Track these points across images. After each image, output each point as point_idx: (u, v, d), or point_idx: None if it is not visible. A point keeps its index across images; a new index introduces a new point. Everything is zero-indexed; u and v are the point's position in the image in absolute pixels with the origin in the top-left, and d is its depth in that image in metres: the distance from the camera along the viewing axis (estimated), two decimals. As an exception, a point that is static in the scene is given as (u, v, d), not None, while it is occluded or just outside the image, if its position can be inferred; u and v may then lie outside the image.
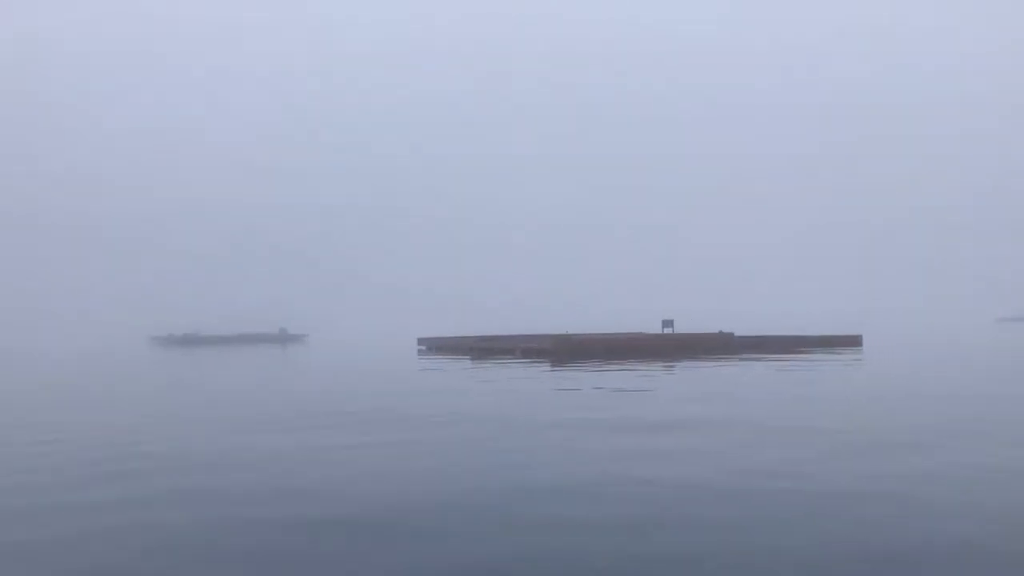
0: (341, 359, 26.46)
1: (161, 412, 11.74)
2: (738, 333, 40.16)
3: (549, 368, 19.09)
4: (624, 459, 6.93)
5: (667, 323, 32.09)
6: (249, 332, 66.26)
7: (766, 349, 26.53)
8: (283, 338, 63.82)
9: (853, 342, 27.66)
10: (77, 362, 30.07)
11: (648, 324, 79.09)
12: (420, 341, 34.63)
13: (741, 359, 21.10)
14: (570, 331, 44.06)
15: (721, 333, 32.15)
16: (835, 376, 15.03)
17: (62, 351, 45.48)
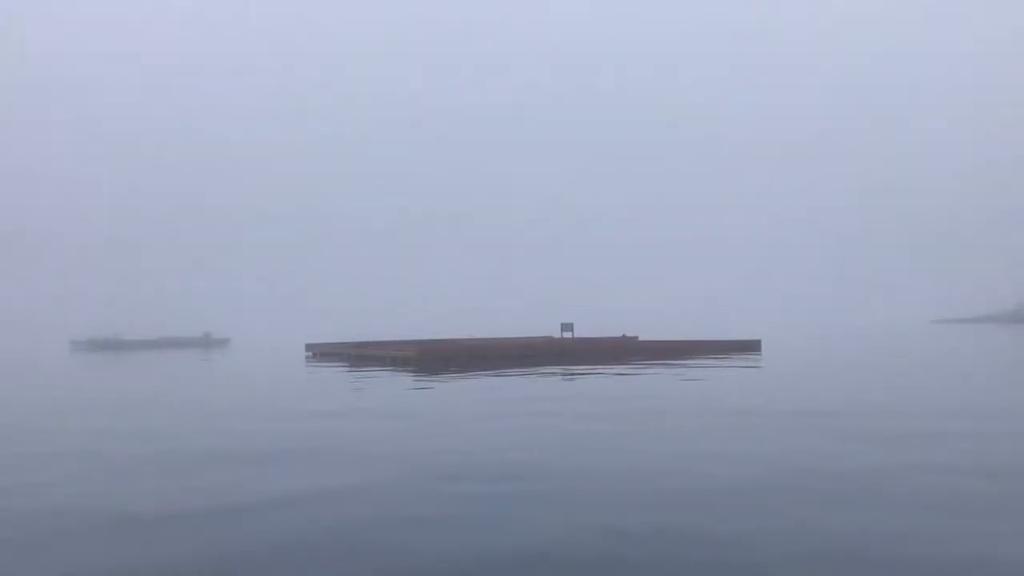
0: (240, 365, 24.38)
1: None
2: (697, 337, 38.17)
3: (412, 377, 17.02)
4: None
5: (566, 327, 29.94)
6: (173, 336, 64.15)
7: (661, 355, 24.43)
8: (207, 343, 61.88)
9: (752, 347, 25.76)
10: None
11: (614, 328, 77.21)
12: (308, 347, 32.84)
13: (625, 365, 18.93)
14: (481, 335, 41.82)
15: (624, 337, 30.02)
16: (696, 387, 12.84)
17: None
